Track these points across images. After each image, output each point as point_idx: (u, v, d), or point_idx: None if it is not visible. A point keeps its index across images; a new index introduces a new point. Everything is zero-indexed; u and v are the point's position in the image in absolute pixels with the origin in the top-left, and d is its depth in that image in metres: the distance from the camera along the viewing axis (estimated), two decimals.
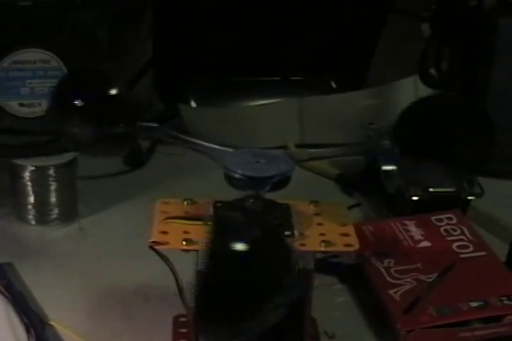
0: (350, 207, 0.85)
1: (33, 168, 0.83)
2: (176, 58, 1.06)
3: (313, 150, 0.81)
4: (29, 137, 0.86)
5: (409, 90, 1.03)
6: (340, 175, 0.97)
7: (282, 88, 1.08)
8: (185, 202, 0.64)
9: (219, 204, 0.63)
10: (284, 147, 0.98)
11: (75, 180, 0.87)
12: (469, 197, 0.86)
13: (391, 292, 0.71)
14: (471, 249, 0.77)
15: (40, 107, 0.87)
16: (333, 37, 1.07)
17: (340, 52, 1.08)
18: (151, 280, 0.75)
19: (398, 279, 0.73)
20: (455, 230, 0.79)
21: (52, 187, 0.85)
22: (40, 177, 0.84)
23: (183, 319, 0.70)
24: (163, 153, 0.99)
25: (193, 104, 1.05)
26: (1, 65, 0.87)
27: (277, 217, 0.61)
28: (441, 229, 0.80)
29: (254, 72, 1.07)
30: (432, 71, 0.98)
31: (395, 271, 0.74)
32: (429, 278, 0.73)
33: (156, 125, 0.65)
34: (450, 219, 0.81)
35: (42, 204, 0.86)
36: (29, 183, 0.84)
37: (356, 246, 0.60)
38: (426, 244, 0.78)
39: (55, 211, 0.86)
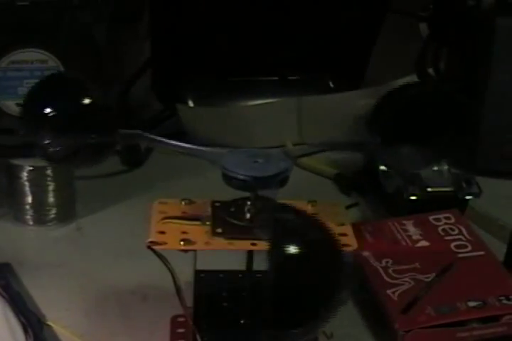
0: (348, 207, 0.85)
1: (31, 168, 0.83)
2: (174, 58, 1.05)
3: (309, 144, 0.81)
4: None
5: None
6: (339, 174, 0.97)
7: (280, 88, 1.08)
8: (183, 202, 0.64)
9: (217, 204, 0.62)
10: (283, 146, 0.98)
11: (72, 180, 0.87)
12: (467, 197, 0.86)
13: (389, 292, 0.71)
14: (469, 248, 0.76)
15: None
16: (330, 36, 1.07)
17: (338, 52, 1.08)
18: (148, 280, 0.75)
19: (396, 279, 0.73)
20: (453, 230, 0.79)
21: (50, 188, 0.85)
22: (37, 177, 0.84)
23: (180, 319, 0.70)
24: (161, 153, 0.99)
25: (191, 103, 1.05)
26: None
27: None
28: (440, 228, 0.79)
29: (252, 71, 1.07)
30: (430, 71, 0.98)
31: (393, 270, 0.74)
32: (427, 277, 0.72)
33: (139, 132, 0.62)
34: (448, 218, 0.81)
35: (40, 205, 0.85)
36: (27, 183, 0.84)
37: (354, 245, 0.60)
38: (424, 243, 0.78)
39: (53, 211, 0.86)
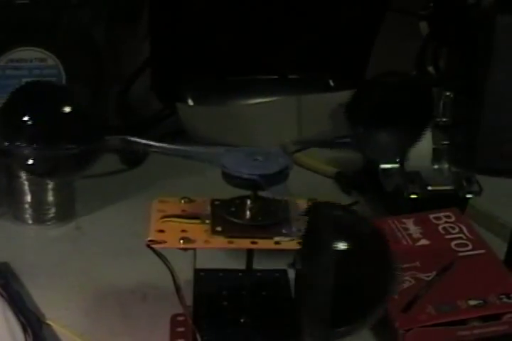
0: (348, 205, 0.85)
1: None
2: (174, 57, 1.05)
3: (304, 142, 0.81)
4: None
5: None
6: (339, 173, 0.97)
7: (280, 86, 1.07)
8: (182, 201, 0.63)
9: (216, 203, 0.62)
10: (282, 145, 0.98)
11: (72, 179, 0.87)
12: (468, 195, 0.86)
13: None
14: (469, 247, 0.76)
15: None
16: (330, 35, 1.07)
17: (338, 51, 1.08)
18: (148, 279, 0.75)
19: None
20: (454, 228, 0.79)
21: (49, 186, 0.85)
22: None
23: (180, 318, 0.70)
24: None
25: (191, 102, 1.05)
26: None
27: (276, 214, 0.61)
28: (440, 227, 0.79)
29: (251, 70, 1.07)
30: (430, 69, 0.98)
31: None
32: (428, 276, 0.72)
33: (126, 137, 0.60)
34: (449, 217, 0.81)
35: (39, 204, 0.85)
36: (26, 182, 0.84)
37: None
38: (424, 242, 0.77)
39: (52, 210, 0.86)
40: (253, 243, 0.59)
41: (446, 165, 0.88)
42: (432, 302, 0.69)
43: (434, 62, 0.98)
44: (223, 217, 0.60)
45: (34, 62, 0.87)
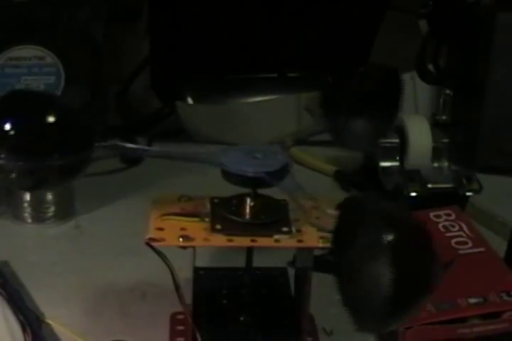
0: None
1: None
2: (173, 56, 1.05)
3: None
4: None
5: (407, 86, 1.02)
6: (338, 171, 0.96)
7: (279, 85, 1.07)
8: (181, 199, 0.63)
9: (216, 201, 0.62)
10: (282, 144, 0.98)
11: None
12: (468, 193, 0.86)
13: None
14: (469, 245, 0.76)
15: None
16: (330, 33, 1.07)
17: (338, 49, 1.08)
18: (147, 277, 0.75)
19: None
20: (453, 226, 0.79)
21: None
22: None
23: (180, 316, 0.69)
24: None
25: (190, 101, 1.05)
26: None
27: (276, 211, 0.61)
28: (440, 225, 0.79)
29: (251, 69, 1.07)
30: (430, 67, 0.98)
31: None
32: None
33: (117, 143, 0.58)
34: (449, 215, 0.80)
35: (38, 202, 0.85)
36: None
37: None
38: None
39: (52, 209, 0.86)
40: (253, 241, 0.58)
41: (446, 164, 0.88)
42: (431, 300, 0.69)
43: (434, 60, 0.98)
44: (223, 215, 0.60)
45: (33, 60, 0.87)
